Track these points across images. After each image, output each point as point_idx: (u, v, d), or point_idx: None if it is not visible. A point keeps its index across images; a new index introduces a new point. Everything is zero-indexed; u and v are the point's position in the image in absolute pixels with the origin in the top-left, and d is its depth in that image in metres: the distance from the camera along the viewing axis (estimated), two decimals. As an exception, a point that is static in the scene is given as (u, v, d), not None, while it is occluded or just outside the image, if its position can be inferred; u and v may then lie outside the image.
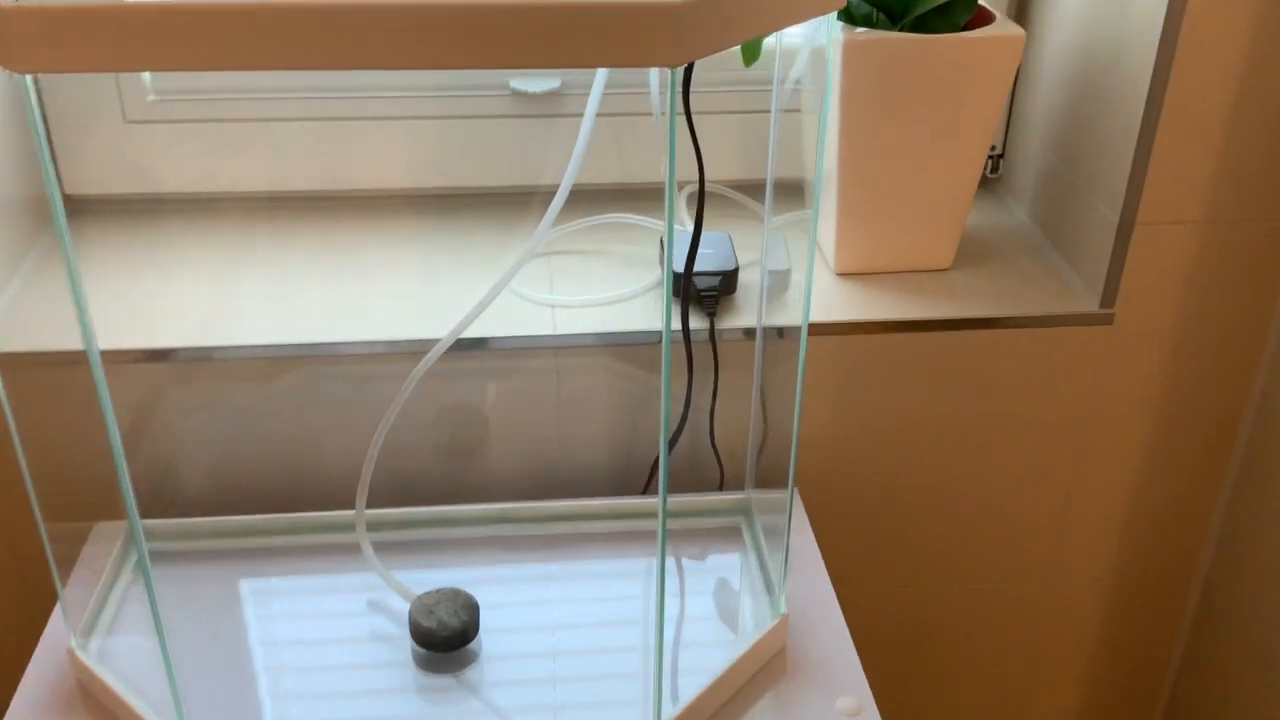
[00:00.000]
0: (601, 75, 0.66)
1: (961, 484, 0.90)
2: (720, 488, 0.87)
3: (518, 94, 0.93)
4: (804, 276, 0.67)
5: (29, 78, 0.45)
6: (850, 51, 0.77)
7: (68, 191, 0.93)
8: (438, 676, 0.69)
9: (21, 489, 0.83)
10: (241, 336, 0.79)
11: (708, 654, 0.71)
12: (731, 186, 0.96)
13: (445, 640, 0.69)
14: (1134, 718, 1.06)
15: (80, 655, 0.67)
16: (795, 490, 0.78)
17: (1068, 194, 0.88)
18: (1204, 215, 0.81)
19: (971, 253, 0.90)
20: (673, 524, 0.81)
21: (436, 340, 0.72)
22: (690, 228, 0.92)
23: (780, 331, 0.82)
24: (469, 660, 0.70)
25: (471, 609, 0.70)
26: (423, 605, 0.70)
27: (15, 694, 0.68)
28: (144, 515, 0.80)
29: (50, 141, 0.91)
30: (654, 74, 0.87)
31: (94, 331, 0.51)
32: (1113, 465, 0.91)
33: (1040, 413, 0.88)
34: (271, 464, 0.84)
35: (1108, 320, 0.84)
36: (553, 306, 0.84)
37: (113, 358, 0.79)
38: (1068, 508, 0.92)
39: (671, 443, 0.84)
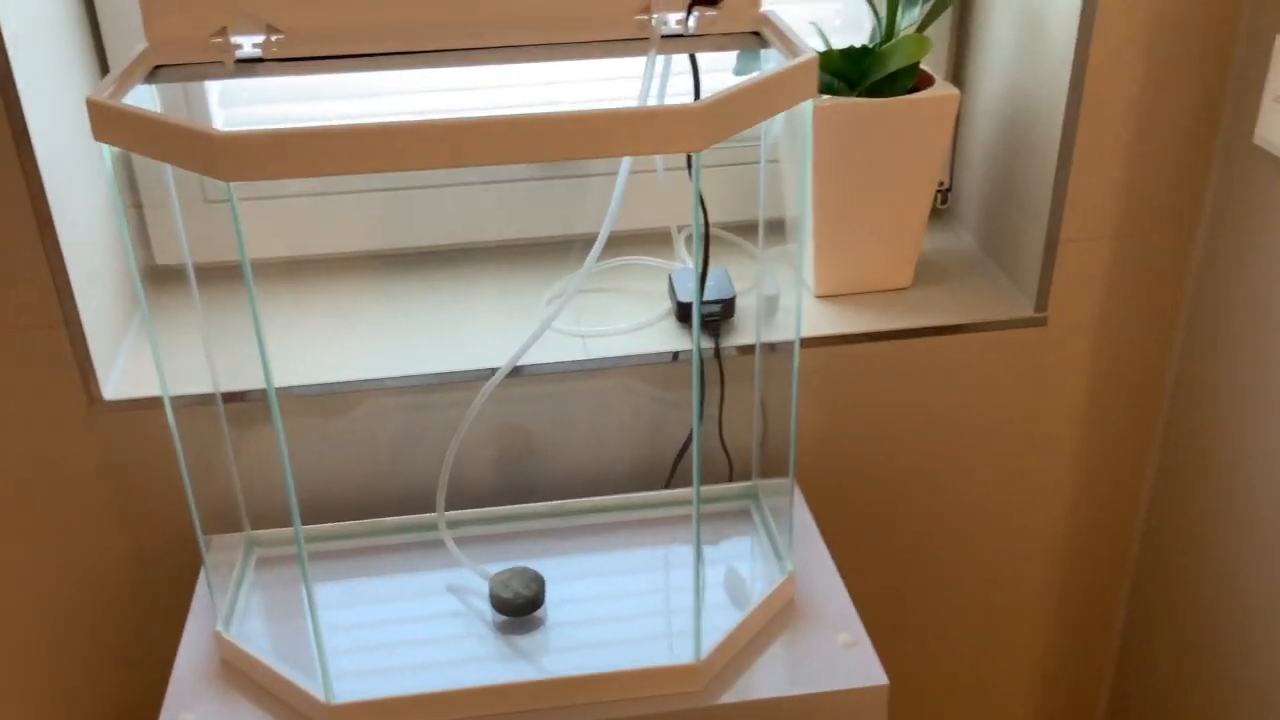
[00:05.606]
0: (627, 161, 0.83)
1: (929, 465, 1.07)
2: (729, 479, 1.03)
3: (539, 159, 1.10)
4: (793, 299, 0.84)
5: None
6: (819, 115, 0.94)
7: (159, 261, 1.09)
8: (517, 637, 0.84)
9: (147, 511, 0.98)
10: (316, 375, 0.96)
11: (733, 603, 0.87)
12: (723, 228, 1.13)
13: (521, 606, 0.85)
14: (1087, 665, 1.23)
15: (227, 637, 0.83)
16: (795, 475, 0.95)
17: (1004, 219, 1.06)
18: (1114, 231, 0.99)
19: (927, 273, 1.08)
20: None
21: (490, 369, 0.88)
22: (691, 265, 1.09)
23: (773, 346, 0.99)
24: (539, 623, 0.86)
25: (539, 580, 0.86)
26: (499, 581, 0.86)
27: (171, 675, 0.83)
28: (253, 527, 0.95)
29: (143, 219, 1.08)
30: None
31: (273, 378, 0.67)
32: (1056, 442, 1.08)
33: (991, 402, 1.05)
34: (346, 482, 1.00)
35: (1041, 323, 1.02)
36: (582, 337, 1.01)
37: (193, 401, 0.94)
38: (1021, 477, 1.10)
39: (687, 444, 1.01)
